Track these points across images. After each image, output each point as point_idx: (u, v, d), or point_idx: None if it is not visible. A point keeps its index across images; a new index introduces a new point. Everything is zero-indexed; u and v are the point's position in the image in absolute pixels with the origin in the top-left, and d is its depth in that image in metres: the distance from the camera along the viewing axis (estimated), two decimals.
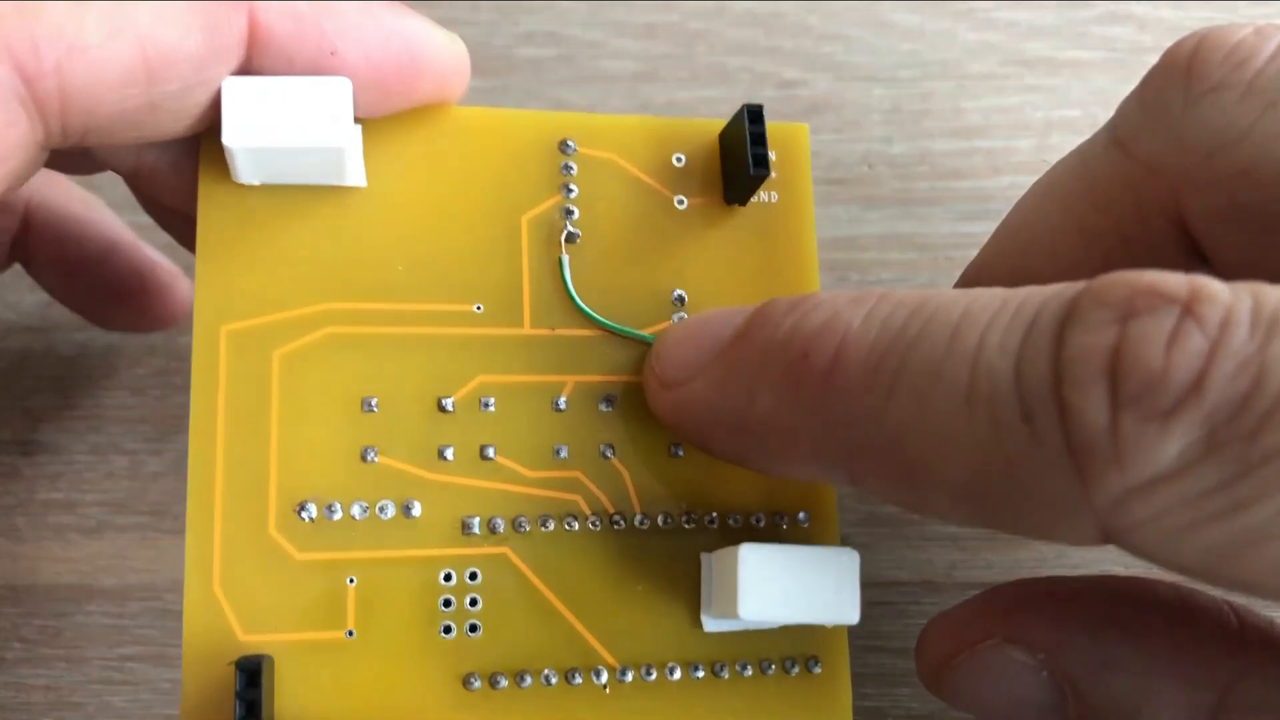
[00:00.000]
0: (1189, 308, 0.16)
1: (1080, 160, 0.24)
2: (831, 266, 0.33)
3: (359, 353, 0.23)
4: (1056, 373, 0.16)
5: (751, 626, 0.23)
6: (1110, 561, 0.31)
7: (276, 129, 0.21)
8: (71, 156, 0.24)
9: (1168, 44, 0.22)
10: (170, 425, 0.31)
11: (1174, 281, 0.16)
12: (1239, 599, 0.22)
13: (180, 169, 0.24)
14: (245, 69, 0.21)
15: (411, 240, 0.23)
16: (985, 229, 0.27)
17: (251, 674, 0.20)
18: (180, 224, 0.28)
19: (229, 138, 0.21)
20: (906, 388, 0.18)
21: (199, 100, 0.21)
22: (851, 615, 0.22)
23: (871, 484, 0.20)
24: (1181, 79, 0.21)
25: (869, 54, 0.36)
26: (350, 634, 0.22)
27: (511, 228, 0.24)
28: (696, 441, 0.23)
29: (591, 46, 0.36)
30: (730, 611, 0.22)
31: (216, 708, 0.21)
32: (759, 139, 0.24)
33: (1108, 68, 0.36)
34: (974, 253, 0.27)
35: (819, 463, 0.20)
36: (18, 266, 0.30)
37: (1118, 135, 0.23)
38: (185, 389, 0.22)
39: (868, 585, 0.30)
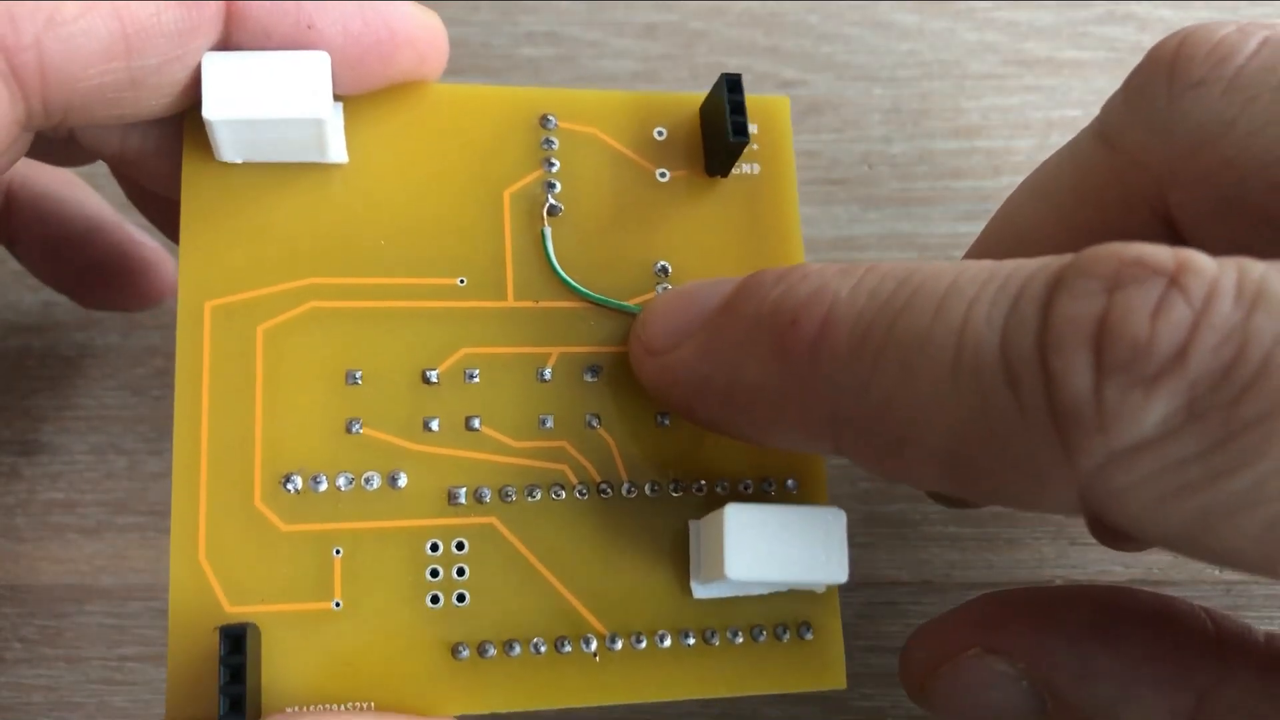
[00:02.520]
0: (1175, 279, 0.16)
1: (1068, 155, 0.25)
2: None
3: (343, 326, 0.23)
4: (1042, 341, 0.16)
5: (740, 590, 0.23)
6: (1109, 561, 0.30)
7: (257, 102, 0.21)
8: (57, 144, 0.24)
9: None
10: (170, 425, 0.31)
11: (1161, 254, 0.16)
12: (1216, 603, 0.22)
13: (164, 152, 0.24)
14: (223, 44, 0.22)
15: (394, 215, 0.23)
16: None
17: (236, 640, 0.20)
18: (163, 209, 0.28)
19: (210, 111, 0.21)
20: (893, 357, 0.18)
21: (178, 76, 0.21)
22: (840, 574, 0.22)
23: (856, 452, 0.20)
24: (1165, 75, 0.22)
25: (869, 54, 0.36)
26: (337, 605, 0.22)
27: (494, 202, 0.24)
28: (682, 409, 0.23)
29: (591, 46, 0.36)
30: (718, 573, 0.22)
31: (202, 677, 0.21)
32: (738, 107, 0.24)
33: (1108, 68, 0.36)
34: None
35: (805, 431, 0.20)
36: (17, 267, 0.30)
37: (1104, 130, 0.23)
38: None
39: (868, 585, 0.30)
